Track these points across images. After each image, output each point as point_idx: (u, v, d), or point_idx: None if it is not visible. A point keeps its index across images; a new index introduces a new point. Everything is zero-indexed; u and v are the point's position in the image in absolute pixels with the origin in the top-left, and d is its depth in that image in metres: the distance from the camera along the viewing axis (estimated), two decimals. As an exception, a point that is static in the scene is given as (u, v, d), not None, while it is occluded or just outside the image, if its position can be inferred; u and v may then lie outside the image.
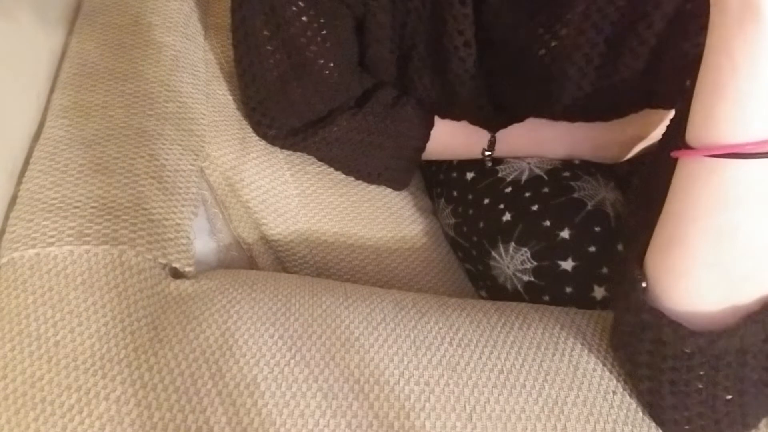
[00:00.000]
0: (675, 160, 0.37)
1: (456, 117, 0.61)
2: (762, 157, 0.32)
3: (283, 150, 0.62)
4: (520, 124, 0.58)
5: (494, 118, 0.58)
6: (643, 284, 0.38)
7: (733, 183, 0.33)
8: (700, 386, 0.37)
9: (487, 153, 0.61)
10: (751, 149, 0.32)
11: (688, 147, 0.35)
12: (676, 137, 0.38)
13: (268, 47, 0.54)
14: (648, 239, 0.39)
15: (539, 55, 0.51)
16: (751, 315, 0.35)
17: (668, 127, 0.47)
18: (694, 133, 0.35)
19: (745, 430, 0.40)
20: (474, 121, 0.60)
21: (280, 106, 0.58)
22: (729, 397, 0.37)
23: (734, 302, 0.35)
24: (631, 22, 0.47)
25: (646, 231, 0.40)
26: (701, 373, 0.37)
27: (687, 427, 0.39)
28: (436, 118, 0.61)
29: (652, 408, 0.41)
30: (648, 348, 0.38)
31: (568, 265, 0.52)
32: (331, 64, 0.55)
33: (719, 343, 0.35)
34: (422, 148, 0.62)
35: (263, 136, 0.61)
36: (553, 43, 0.49)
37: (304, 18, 0.52)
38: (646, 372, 0.39)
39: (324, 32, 0.53)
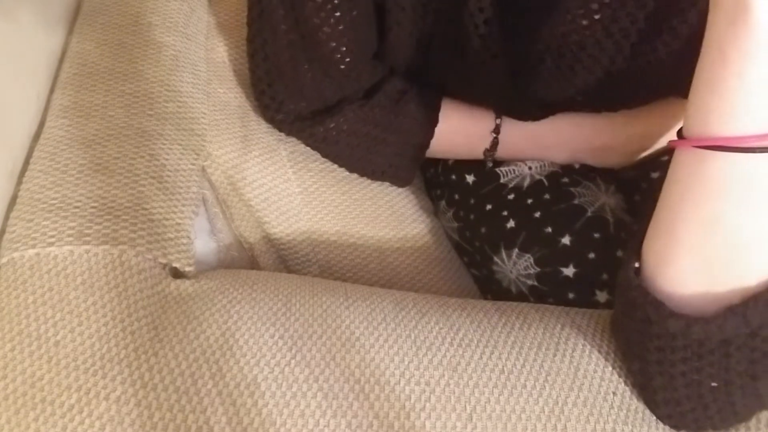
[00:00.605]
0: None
1: (476, 101, 0.60)
2: (748, 151, 0.33)
3: (285, 148, 0.62)
4: (522, 130, 0.58)
5: (516, 103, 0.57)
6: (635, 264, 0.39)
7: (719, 174, 0.34)
8: (684, 369, 0.38)
9: (489, 154, 0.61)
10: (737, 143, 0.33)
11: (682, 137, 0.36)
12: None
13: (283, 26, 0.54)
14: (647, 224, 0.40)
15: (577, 24, 0.49)
16: (731, 307, 0.35)
17: None
18: (688, 124, 0.36)
19: (737, 421, 0.40)
20: (494, 105, 0.59)
21: (290, 90, 0.58)
22: (714, 384, 0.38)
23: (715, 292, 0.36)
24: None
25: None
26: (684, 356, 0.37)
27: (678, 408, 0.40)
28: (440, 117, 0.61)
29: (644, 390, 0.41)
30: (637, 327, 0.39)
31: (569, 271, 0.52)
32: (343, 49, 0.55)
33: (695, 329, 0.36)
34: (426, 145, 0.61)
35: (270, 120, 0.60)
36: (596, 15, 0.48)
37: None
38: (637, 351, 0.40)
39: (338, 14, 0.52)
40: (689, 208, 0.36)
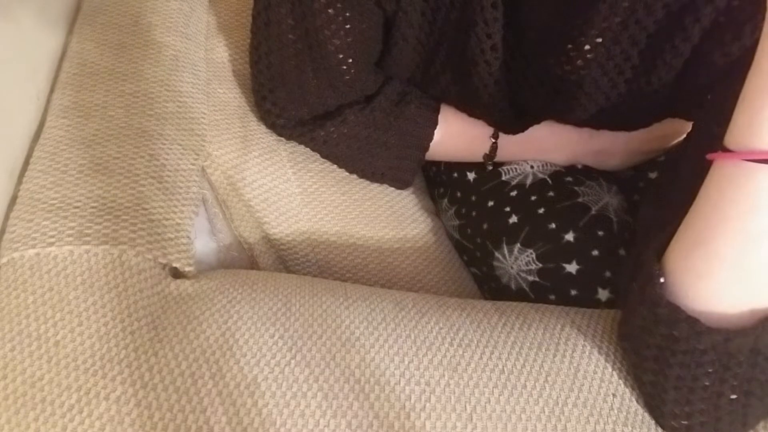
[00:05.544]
0: (705, 162, 0.37)
1: (473, 116, 0.60)
2: None
3: (285, 148, 0.62)
4: (521, 134, 0.58)
5: (513, 122, 0.58)
6: (661, 279, 0.38)
7: None
8: (707, 383, 0.37)
9: (488, 158, 0.61)
10: None
11: (726, 150, 0.35)
12: (705, 140, 0.37)
13: (291, 36, 0.54)
14: (668, 236, 0.39)
15: (572, 64, 0.50)
16: None
17: (692, 131, 0.47)
18: (735, 136, 0.35)
19: (744, 430, 0.40)
20: (491, 122, 0.60)
21: (292, 96, 0.58)
22: (734, 396, 0.37)
23: (752, 305, 0.36)
24: (668, 34, 0.46)
25: (664, 228, 0.40)
26: (710, 370, 0.37)
27: (685, 422, 0.39)
28: (440, 119, 0.61)
29: (652, 399, 0.41)
30: (658, 342, 0.38)
31: (572, 268, 0.52)
32: (350, 60, 0.55)
33: (734, 342, 0.35)
34: (426, 148, 0.62)
35: (271, 125, 0.61)
36: (589, 55, 0.49)
37: (330, 10, 0.52)
38: (653, 365, 0.40)
39: (348, 26, 0.53)
40: (732, 222, 0.35)
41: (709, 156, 0.36)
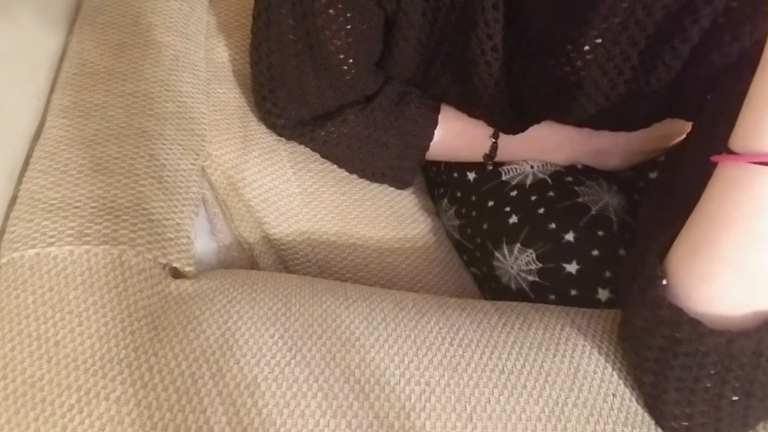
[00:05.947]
0: (706, 163, 0.37)
1: (474, 116, 0.61)
2: None
3: (285, 148, 0.62)
4: (523, 133, 0.58)
5: (513, 122, 0.58)
6: (664, 281, 0.38)
7: None
8: (709, 385, 0.37)
9: (489, 158, 0.61)
10: None
11: (731, 152, 0.35)
12: (705, 141, 0.37)
13: (291, 36, 0.54)
14: (670, 238, 0.39)
15: (572, 65, 0.50)
16: None
17: (692, 132, 0.47)
18: (741, 138, 0.35)
19: (744, 431, 0.40)
20: (491, 123, 0.60)
21: (293, 96, 0.58)
22: (735, 398, 0.37)
23: (755, 307, 0.36)
24: (668, 35, 0.46)
25: (664, 228, 0.40)
26: (712, 372, 0.37)
27: (685, 423, 0.39)
28: (440, 119, 0.61)
29: (653, 400, 0.41)
30: (660, 344, 0.38)
31: (572, 268, 0.52)
32: (351, 61, 0.55)
33: (737, 344, 0.35)
34: (426, 147, 0.62)
35: (272, 126, 0.61)
36: (588, 56, 0.49)
37: (331, 11, 0.52)
38: (654, 366, 0.40)
39: (349, 27, 0.53)
40: (737, 224, 0.35)
41: (713, 158, 0.36)
